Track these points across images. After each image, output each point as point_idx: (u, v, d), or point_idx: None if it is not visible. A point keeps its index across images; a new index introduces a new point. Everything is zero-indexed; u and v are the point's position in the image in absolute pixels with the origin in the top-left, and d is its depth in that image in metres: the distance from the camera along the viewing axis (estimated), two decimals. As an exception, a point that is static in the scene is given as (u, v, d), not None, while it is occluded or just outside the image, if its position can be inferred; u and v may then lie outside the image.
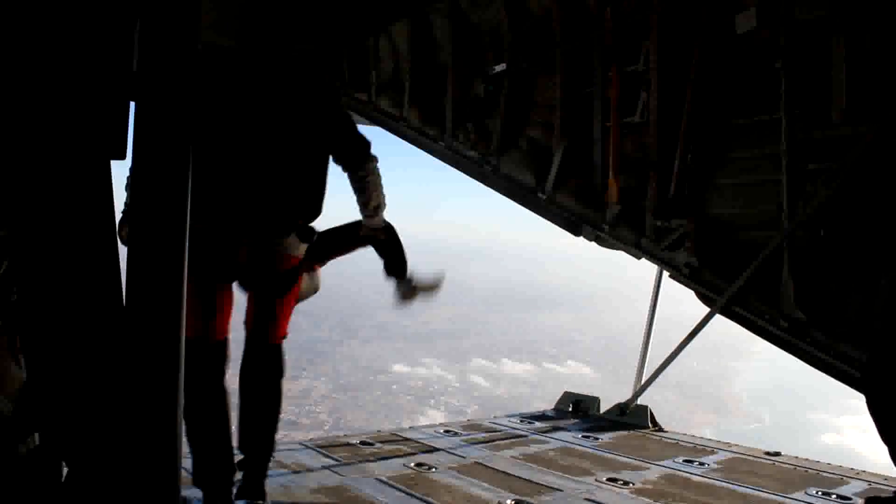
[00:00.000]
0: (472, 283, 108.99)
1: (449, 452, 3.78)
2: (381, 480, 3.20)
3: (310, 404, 50.04)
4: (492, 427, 4.51)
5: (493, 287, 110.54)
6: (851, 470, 3.28)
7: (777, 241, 3.54)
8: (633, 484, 3.27)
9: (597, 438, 4.19)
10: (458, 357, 67.42)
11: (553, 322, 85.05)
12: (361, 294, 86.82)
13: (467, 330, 78.35)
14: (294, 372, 55.29)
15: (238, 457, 2.69)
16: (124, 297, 1.80)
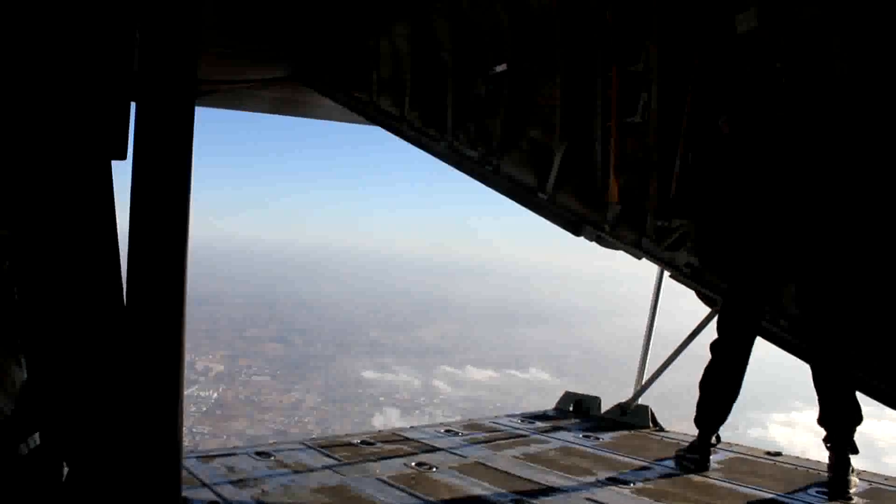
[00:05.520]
0: (461, 301, 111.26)
1: (450, 452, 3.78)
2: (382, 480, 3.20)
3: (299, 415, 50.76)
4: (492, 427, 4.51)
5: (483, 304, 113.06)
6: (853, 470, 3.27)
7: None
8: (634, 483, 3.27)
9: (597, 438, 4.19)
10: (450, 372, 68.95)
11: (535, 336, 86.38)
12: (355, 312, 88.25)
13: (457, 345, 79.43)
14: (285, 385, 56.94)
15: None
16: (125, 297, 1.81)
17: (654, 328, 4.80)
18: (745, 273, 3.46)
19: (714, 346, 3.52)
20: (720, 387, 3.50)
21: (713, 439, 3.62)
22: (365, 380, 63.41)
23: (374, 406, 56.12)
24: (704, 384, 3.54)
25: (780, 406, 53.78)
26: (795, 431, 49.87)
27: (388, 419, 50.73)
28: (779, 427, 52.39)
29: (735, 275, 3.52)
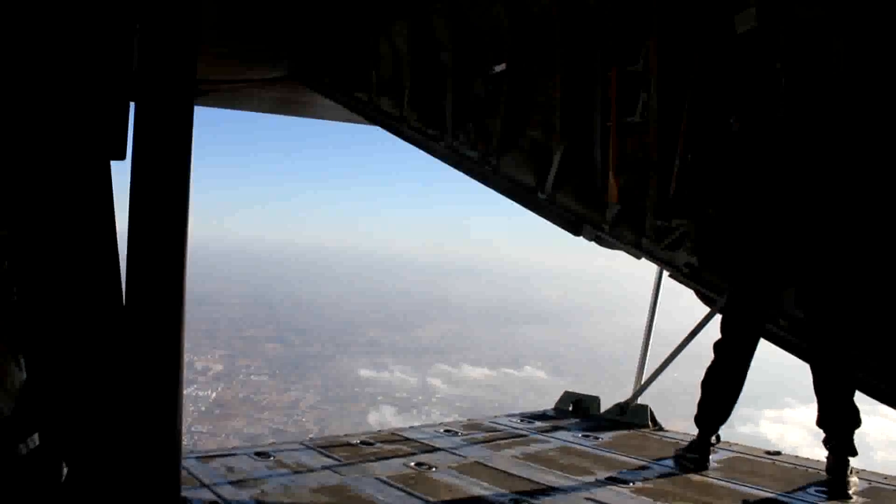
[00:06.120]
0: (459, 301, 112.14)
1: (449, 452, 3.78)
2: (381, 480, 3.20)
3: (297, 414, 51.31)
4: (492, 427, 4.51)
5: (481, 304, 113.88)
6: (852, 469, 3.28)
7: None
8: (634, 483, 3.27)
9: (597, 438, 4.19)
10: (446, 370, 69.77)
11: (534, 335, 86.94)
12: (353, 312, 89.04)
13: (454, 345, 79.84)
14: (284, 385, 57.65)
15: None
16: (124, 297, 1.81)
17: (654, 327, 4.80)
18: (750, 273, 3.45)
19: (717, 346, 3.52)
20: (722, 387, 3.50)
21: (713, 439, 3.62)
22: (362, 379, 63.86)
23: (371, 405, 56.60)
24: (706, 384, 3.54)
25: (772, 403, 54.19)
26: (787, 428, 50.39)
27: (383, 417, 51.50)
28: (770, 424, 53.16)
29: (739, 275, 3.51)
